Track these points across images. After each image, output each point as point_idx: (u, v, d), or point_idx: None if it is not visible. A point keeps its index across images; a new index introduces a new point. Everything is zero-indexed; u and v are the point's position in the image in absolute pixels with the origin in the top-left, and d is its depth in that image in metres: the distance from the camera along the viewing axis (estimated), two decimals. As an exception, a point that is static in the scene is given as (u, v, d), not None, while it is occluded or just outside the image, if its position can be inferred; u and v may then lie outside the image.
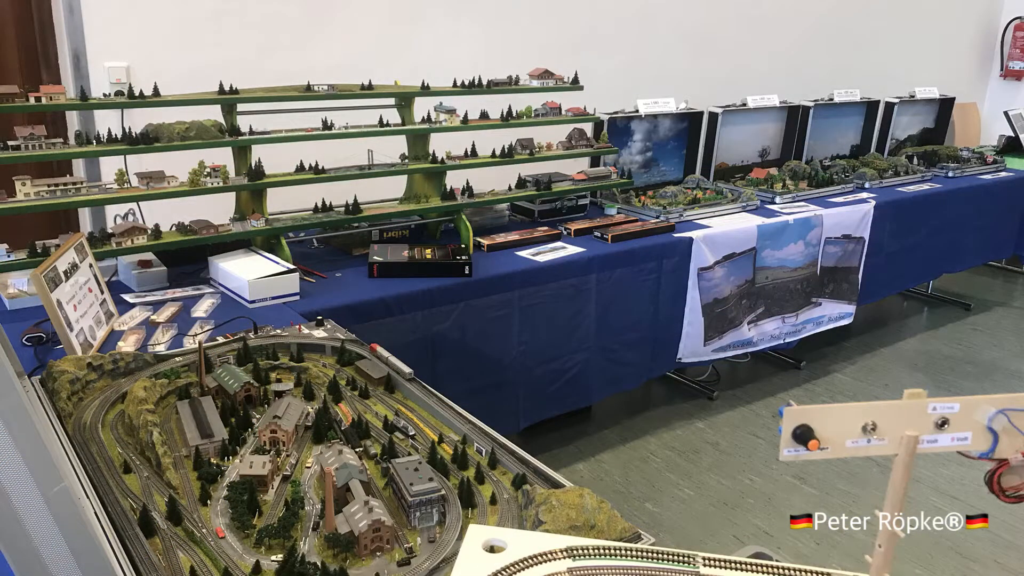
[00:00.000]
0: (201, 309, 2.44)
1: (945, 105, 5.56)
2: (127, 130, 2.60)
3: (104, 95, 2.68)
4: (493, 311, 2.91)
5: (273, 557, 1.23)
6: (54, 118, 3.15)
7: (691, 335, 3.59)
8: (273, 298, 2.51)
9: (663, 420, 3.86)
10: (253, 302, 2.47)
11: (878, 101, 5.11)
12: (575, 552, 1.00)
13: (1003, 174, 5.11)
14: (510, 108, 3.31)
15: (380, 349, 1.97)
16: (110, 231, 2.55)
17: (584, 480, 3.34)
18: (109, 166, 2.81)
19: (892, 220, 4.31)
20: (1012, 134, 5.56)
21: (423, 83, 3.10)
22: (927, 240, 4.60)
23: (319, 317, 2.17)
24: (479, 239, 3.19)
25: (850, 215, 4.09)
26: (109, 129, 2.60)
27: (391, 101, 3.11)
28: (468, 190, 3.26)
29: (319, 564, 1.20)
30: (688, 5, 4.78)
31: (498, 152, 3.30)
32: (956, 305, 5.49)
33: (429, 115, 3.18)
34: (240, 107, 2.76)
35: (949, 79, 5.95)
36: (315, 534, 1.30)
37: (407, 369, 1.85)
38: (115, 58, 3.18)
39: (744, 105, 4.40)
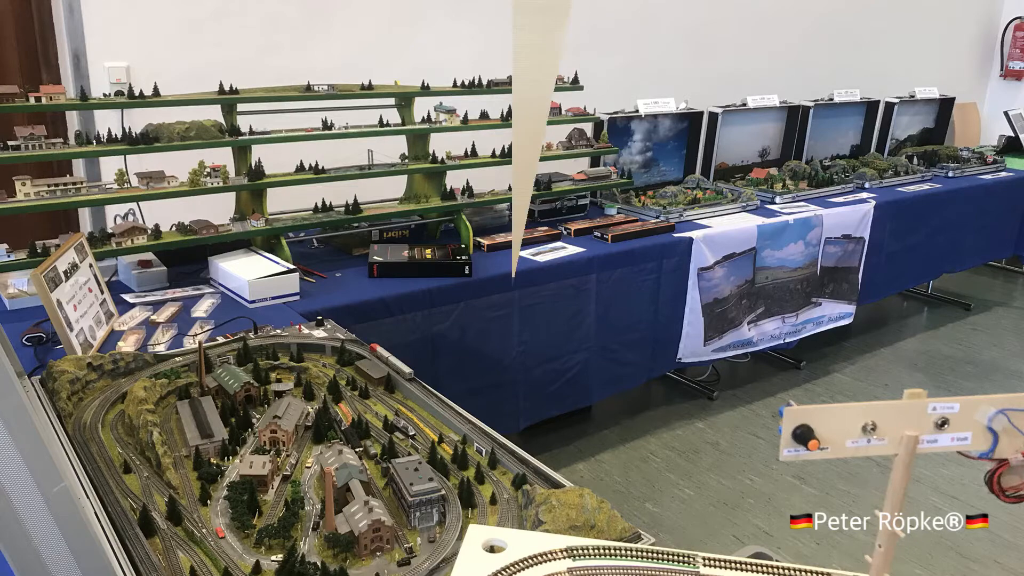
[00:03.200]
0: (201, 309, 2.44)
1: (945, 105, 5.56)
2: (127, 130, 2.60)
3: (104, 95, 2.68)
4: (493, 311, 2.91)
5: (273, 557, 1.23)
6: (54, 118, 3.15)
7: (691, 335, 3.59)
8: (273, 298, 2.51)
9: (663, 420, 3.86)
10: (253, 302, 2.47)
11: (878, 101, 5.11)
12: (575, 552, 1.00)
13: (1003, 174, 5.11)
14: (510, 108, 3.30)
15: (380, 349, 1.97)
16: (110, 231, 2.55)
17: (584, 480, 3.34)
18: (109, 166, 2.81)
19: (892, 220, 4.31)
20: (1012, 134, 5.56)
21: (423, 83, 3.10)
22: (927, 240, 4.60)
23: (319, 317, 2.17)
24: (479, 239, 3.19)
25: (850, 215, 4.09)
26: (109, 129, 2.60)
27: (391, 101, 3.11)
28: (468, 190, 3.26)
29: (319, 564, 1.20)
30: (688, 5, 4.78)
31: (498, 152, 3.30)
32: (956, 305, 5.49)
33: (429, 115, 3.18)
34: (240, 107, 2.76)
35: (949, 79, 5.95)
36: (315, 534, 1.30)
37: (407, 369, 1.85)
38: (115, 58, 3.18)
39: (744, 105, 4.40)
